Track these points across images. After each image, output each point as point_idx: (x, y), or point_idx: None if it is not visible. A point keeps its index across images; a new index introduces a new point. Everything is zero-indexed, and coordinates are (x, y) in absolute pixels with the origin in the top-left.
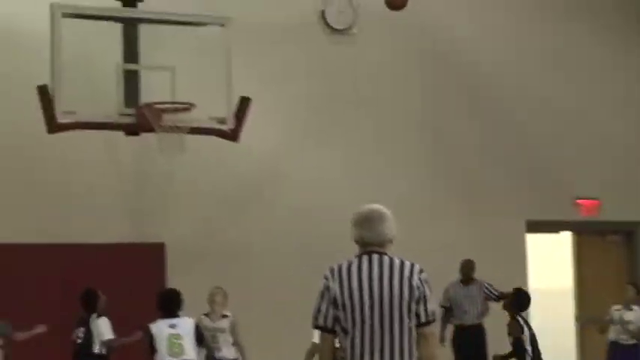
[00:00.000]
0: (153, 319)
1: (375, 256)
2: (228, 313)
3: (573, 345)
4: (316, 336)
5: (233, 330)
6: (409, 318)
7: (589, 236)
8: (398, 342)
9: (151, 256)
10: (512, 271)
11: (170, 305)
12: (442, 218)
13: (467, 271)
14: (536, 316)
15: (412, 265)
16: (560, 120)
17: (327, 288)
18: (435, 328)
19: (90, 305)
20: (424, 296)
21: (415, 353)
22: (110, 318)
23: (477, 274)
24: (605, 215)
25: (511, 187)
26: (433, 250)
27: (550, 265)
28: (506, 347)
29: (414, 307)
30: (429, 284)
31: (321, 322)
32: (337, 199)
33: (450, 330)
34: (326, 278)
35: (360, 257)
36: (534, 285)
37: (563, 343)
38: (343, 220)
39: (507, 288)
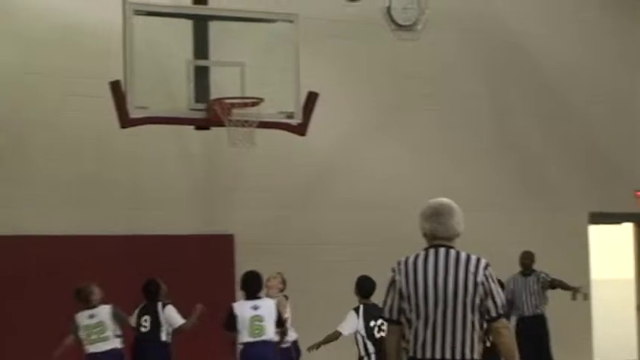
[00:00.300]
0: (222, 308)
1: (442, 250)
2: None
3: (634, 333)
4: (343, 326)
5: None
6: (472, 313)
7: None
8: (460, 335)
9: (221, 247)
10: (575, 262)
11: (252, 286)
12: (506, 212)
13: (527, 262)
14: (599, 305)
15: (478, 260)
16: (621, 113)
17: (393, 281)
18: (507, 321)
19: (154, 294)
20: (490, 291)
21: (477, 347)
22: (178, 306)
23: (542, 266)
24: None
25: (574, 181)
26: (498, 244)
27: (612, 256)
28: (566, 335)
29: (477, 302)
30: (494, 278)
31: (386, 314)
32: (401, 193)
33: (512, 322)
34: (393, 271)
35: (427, 250)
36: (596, 276)
37: (625, 332)
38: (407, 213)
39: (570, 279)
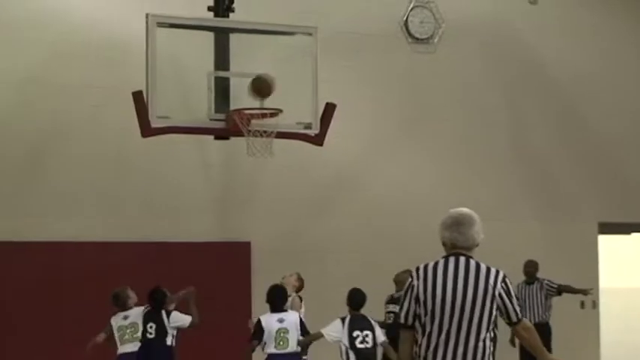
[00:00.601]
0: (237, 312)
1: (462, 259)
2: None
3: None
4: (326, 329)
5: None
6: (488, 323)
7: None
8: (473, 344)
9: (238, 253)
10: (585, 271)
11: (278, 300)
12: (520, 221)
13: (530, 271)
14: (607, 313)
15: (497, 272)
16: (632, 125)
17: (411, 287)
18: (528, 321)
19: (159, 303)
20: (510, 301)
21: (489, 356)
22: (189, 311)
23: (552, 275)
24: None
25: (584, 191)
26: (510, 253)
27: (621, 265)
28: (575, 342)
29: (494, 313)
30: (511, 289)
31: (402, 319)
32: (418, 204)
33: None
34: (411, 277)
35: (447, 258)
36: (605, 284)
37: (633, 339)
38: (424, 223)
39: (580, 286)
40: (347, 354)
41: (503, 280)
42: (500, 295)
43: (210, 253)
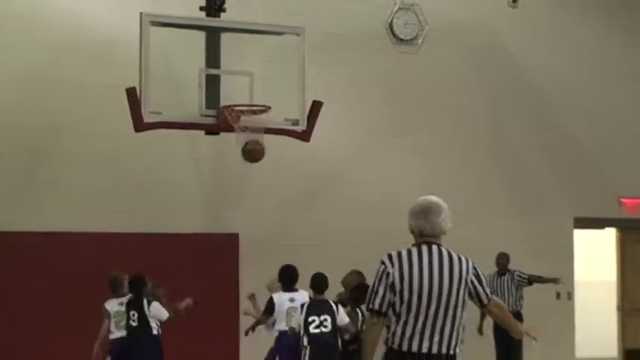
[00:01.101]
0: (224, 303)
1: (435, 248)
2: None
3: (615, 332)
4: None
5: None
6: (462, 309)
7: (632, 233)
8: (449, 331)
9: (226, 245)
10: (560, 264)
11: (290, 279)
12: (498, 216)
13: (502, 262)
14: (582, 305)
15: (467, 261)
16: (606, 123)
17: (385, 274)
18: (497, 299)
19: (137, 290)
20: (480, 284)
21: (461, 342)
22: (178, 300)
23: (529, 268)
24: None
25: (560, 188)
26: (489, 246)
27: (595, 259)
28: (550, 332)
29: (466, 298)
30: (480, 271)
31: (376, 306)
32: (399, 200)
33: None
34: (384, 264)
35: (419, 246)
36: (580, 277)
37: (606, 331)
38: (406, 219)
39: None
40: (301, 338)
41: (473, 267)
42: (471, 281)
43: (199, 244)
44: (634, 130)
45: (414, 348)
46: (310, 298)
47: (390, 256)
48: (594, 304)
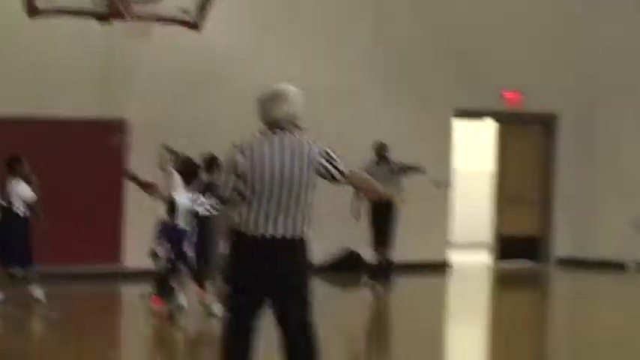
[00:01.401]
0: (112, 186)
1: (285, 134)
2: None
3: (488, 218)
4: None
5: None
6: (308, 191)
7: (512, 125)
8: (295, 214)
9: (114, 130)
10: (440, 154)
11: (189, 176)
12: (380, 105)
13: (379, 151)
14: (460, 193)
15: (315, 145)
16: (490, 13)
17: (234, 162)
18: (353, 169)
19: (13, 170)
20: (330, 164)
21: (309, 223)
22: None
23: (408, 158)
24: (527, 107)
25: (442, 79)
26: (371, 134)
27: (474, 149)
28: (427, 218)
29: (314, 181)
30: (332, 154)
31: (226, 192)
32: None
33: (365, 206)
34: (234, 152)
35: (269, 133)
36: (458, 167)
37: (482, 219)
38: None
39: (435, 169)
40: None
41: (324, 151)
42: (320, 163)
43: (87, 129)
44: (514, 22)
45: (261, 231)
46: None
47: (239, 145)
48: (472, 193)
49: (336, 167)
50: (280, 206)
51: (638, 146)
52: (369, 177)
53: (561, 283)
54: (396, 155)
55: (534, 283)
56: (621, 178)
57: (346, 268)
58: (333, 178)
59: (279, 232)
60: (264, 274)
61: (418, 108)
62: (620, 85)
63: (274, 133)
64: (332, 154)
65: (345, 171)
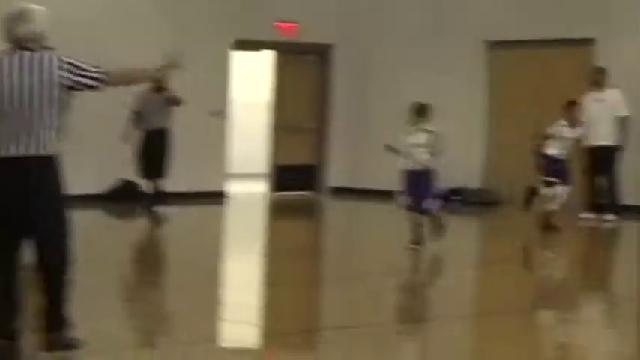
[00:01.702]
0: None
1: (25, 53)
2: None
3: (264, 148)
4: None
5: None
6: (52, 108)
7: (287, 55)
8: (36, 130)
9: None
10: (218, 85)
11: None
12: (159, 37)
13: (157, 81)
14: (238, 123)
15: (57, 58)
16: None
17: None
18: (106, 71)
19: None
20: (78, 74)
21: (55, 142)
22: None
23: (187, 87)
24: (303, 37)
25: (219, 9)
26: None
27: (252, 80)
28: (204, 149)
29: (60, 95)
30: (78, 62)
31: None
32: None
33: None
34: None
35: (9, 53)
36: (237, 97)
37: (259, 149)
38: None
39: (213, 101)
40: None
41: (65, 62)
42: (65, 77)
43: None
44: None
45: (3, 152)
46: None
47: None
48: (249, 123)
49: (86, 76)
50: (21, 124)
51: (412, 76)
52: (128, 69)
53: (334, 212)
54: (173, 85)
55: (308, 211)
56: (396, 109)
57: (123, 198)
58: (90, 87)
59: (21, 152)
60: (12, 195)
61: (195, 40)
62: (394, 15)
63: (17, 51)
64: (78, 63)
65: (101, 76)
